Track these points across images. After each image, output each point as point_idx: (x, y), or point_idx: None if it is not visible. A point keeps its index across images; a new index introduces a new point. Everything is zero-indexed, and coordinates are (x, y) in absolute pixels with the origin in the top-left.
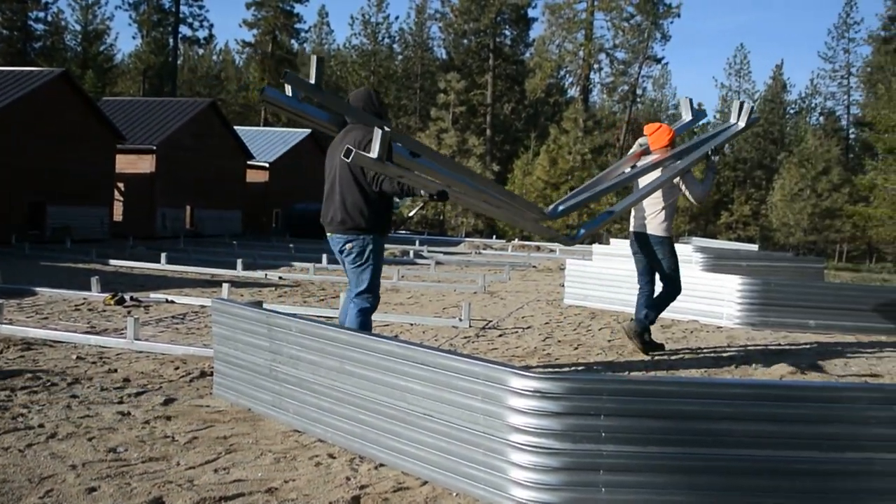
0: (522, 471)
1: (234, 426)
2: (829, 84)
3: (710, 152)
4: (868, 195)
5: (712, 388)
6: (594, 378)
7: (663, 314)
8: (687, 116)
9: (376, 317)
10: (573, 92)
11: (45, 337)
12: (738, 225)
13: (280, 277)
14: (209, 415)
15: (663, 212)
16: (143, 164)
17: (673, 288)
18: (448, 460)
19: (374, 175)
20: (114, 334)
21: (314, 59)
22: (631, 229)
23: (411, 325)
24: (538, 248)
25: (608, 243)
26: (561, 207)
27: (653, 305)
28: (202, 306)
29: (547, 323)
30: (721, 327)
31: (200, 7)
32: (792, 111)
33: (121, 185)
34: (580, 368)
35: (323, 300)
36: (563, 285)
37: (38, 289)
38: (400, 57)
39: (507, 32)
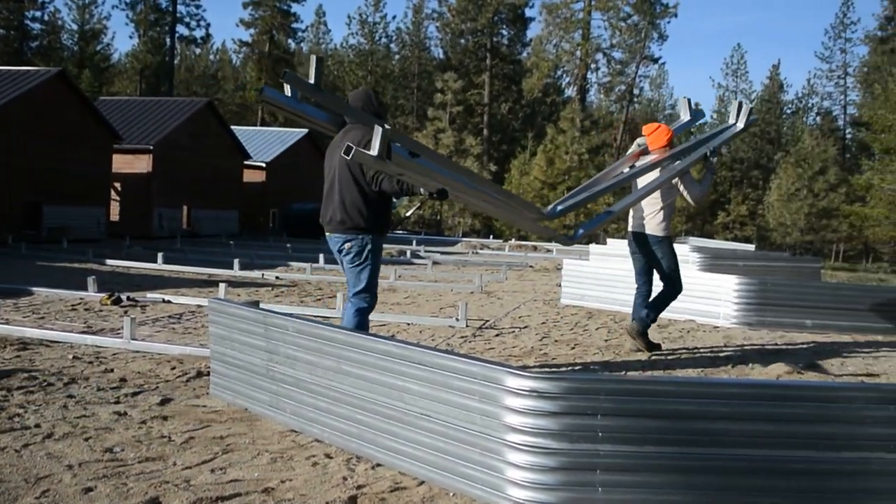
0: (519, 470)
1: (231, 426)
2: (825, 84)
3: (708, 153)
4: (864, 195)
5: (709, 388)
6: (591, 378)
7: (662, 314)
8: (685, 116)
9: (373, 316)
10: (570, 92)
11: (42, 337)
12: (735, 225)
13: (277, 277)
14: (206, 415)
15: (662, 212)
16: (140, 164)
17: (673, 287)
18: (445, 460)
19: (374, 174)
20: (110, 334)
21: (313, 59)
22: (629, 229)
23: (408, 324)
24: (535, 248)
25: (605, 243)
26: (559, 207)
27: (653, 305)
28: (199, 306)
29: (544, 323)
30: (718, 327)
31: (197, 6)
32: (789, 111)
33: (117, 184)
34: (577, 368)
35: (320, 300)
36: (559, 285)
37: (34, 288)
38: (397, 57)
39: (505, 32)
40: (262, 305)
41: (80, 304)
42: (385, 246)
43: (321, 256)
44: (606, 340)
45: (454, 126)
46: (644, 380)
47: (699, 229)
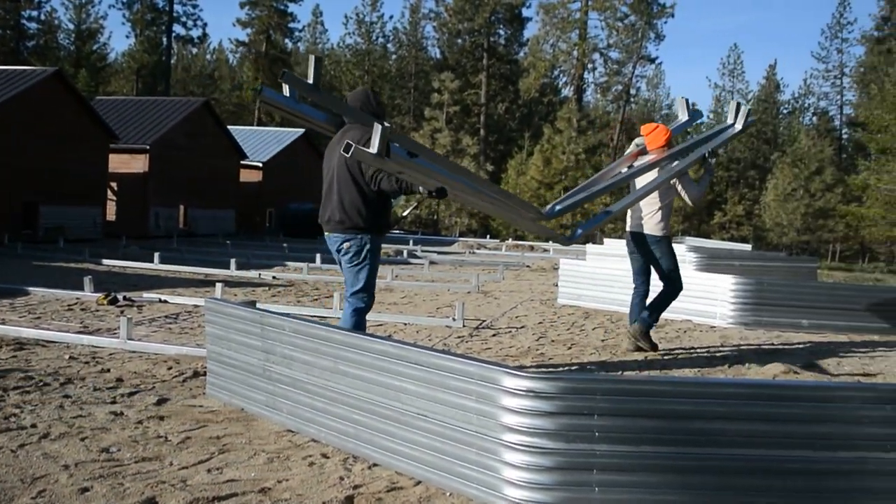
0: (516, 470)
1: (228, 426)
2: (822, 84)
3: (706, 154)
4: (861, 195)
5: (706, 388)
6: (588, 378)
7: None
8: (683, 116)
9: (370, 316)
10: (567, 92)
11: (38, 337)
12: (732, 225)
13: (274, 277)
14: (202, 415)
15: (660, 212)
16: (137, 164)
17: (673, 287)
18: (442, 460)
19: (373, 174)
20: (107, 334)
21: (312, 59)
22: (628, 229)
23: (405, 324)
24: (532, 248)
25: (602, 243)
26: (558, 207)
27: (655, 305)
28: (195, 306)
29: (540, 322)
30: (714, 327)
31: (194, 6)
32: (785, 111)
33: (114, 184)
34: (574, 368)
35: (317, 300)
36: (556, 285)
37: (30, 288)
38: (394, 56)
39: (502, 32)
40: (258, 305)
41: (76, 303)
42: (382, 246)
43: (318, 256)
44: (603, 340)
45: (451, 126)
46: (641, 380)
47: (696, 229)
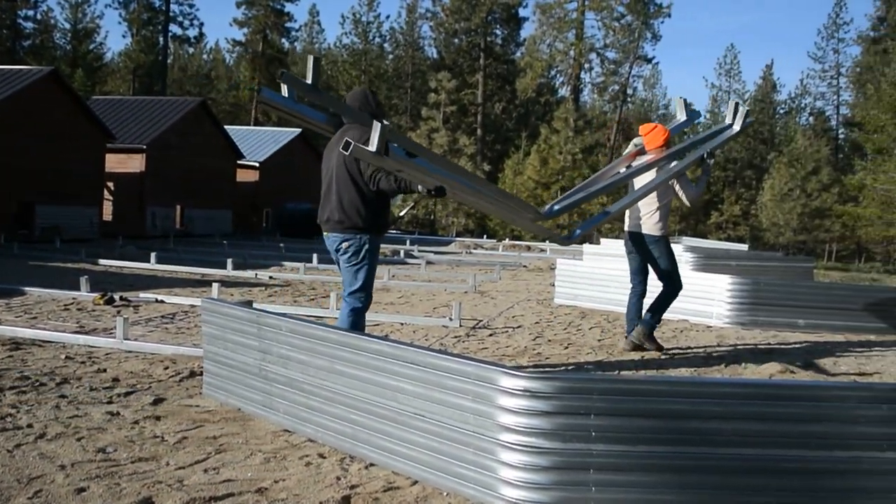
0: (513, 470)
1: (224, 426)
2: (818, 84)
3: (705, 155)
4: (857, 195)
5: (702, 388)
6: (584, 377)
7: None
8: (681, 117)
9: (366, 316)
10: (564, 91)
11: (34, 337)
12: (729, 225)
13: (270, 277)
14: (199, 415)
15: (658, 212)
16: (133, 164)
17: (672, 287)
18: (438, 460)
19: (372, 173)
20: (103, 334)
21: (311, 59)
22: (626, 229)
23: (402, 324)
24: (529, 248)
25: (599, 243)
26: (556, 207)
27: (656, 306)
28: (192, 306)
29: (537, 322)
30: (711, 327)
31: (191, 6)
32: (782, 111)
33: (110, 184)
34: (570, 368)
35: (313, 300)
36: (553, 285)
37: (26, 288)
38: (391, 56)
39: (498, 32)
40: (255, 305)
41: (72, 303)
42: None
43: (315, 256)
44: (600, 340)
45: (448, 126)
46: (637, 379)
47: (692, 229)
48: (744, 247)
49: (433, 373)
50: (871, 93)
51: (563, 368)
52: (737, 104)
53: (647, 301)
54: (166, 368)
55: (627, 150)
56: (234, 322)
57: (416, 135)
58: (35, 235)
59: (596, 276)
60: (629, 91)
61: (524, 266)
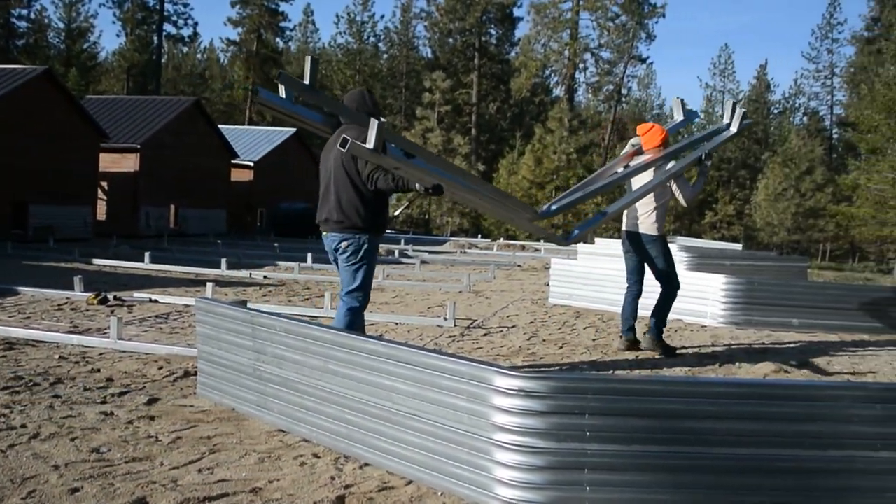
0: (507, 470)
1: (218, 426)
2: (812, 84)
3: (703, 156)
4: (851, 195)
5: (696, 387)
6: (579, 377)
7: (649, 313)
8: (679, 117)
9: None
10: (558, 91)
11: (28, 337)
12: (723, 224)
13: (265, 277)
14: (193, 415)
15: (655, 212)
16: (127, 163)
17: (670, 287)
18: (433, 459)
19: (370, 172)
20: (97, 334)
21: (308, 59)
22: (623, 228)
23: (396, 324)
24: (523, 248)
25: (593, 242)
26: (554, 207)
27: (658, 311)
28: (186, 306)
29: (532, 322)
30: (705, 326)
31: (185, 5)
32: (776, 111)
33: (104, 183)
34: (565, 367)
35: (308, 300)
36: (548, 284)
37: (20, 288)
38: (385, 56)
39: (493, 31)
40: (249, 305)
41: (66, 303)
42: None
43: (309, 256)
44: (594, 340)
45: (442, 125)
46: (632, 379)
47: (687, 229)
48: (738, 246)
49: (428, 372)
50: (864, 93)
51: (557, 368)
52: (734, 104)
53: (644, 301)
54: (160, 368)
55: (625, 150)
56: (228, 322)
57: (410, 134)
58: (29, 235)
59: (591, 275)
60: (624, 91)
61: (519, 266)
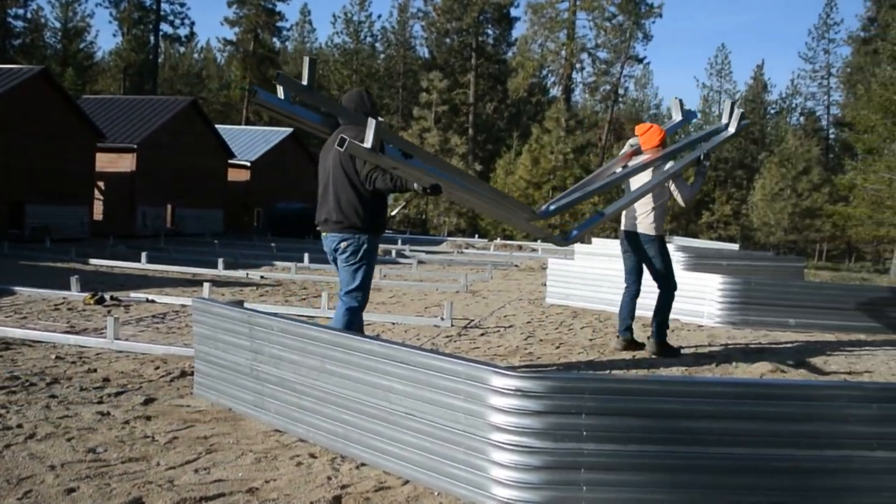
0: (504, 469)
1: (215, 426)
2: (809, 84)
3: (701, 156)
4: (847, 195)
5: (693, 387)
6: (575, 377)
7: (646, 313)
8: (677, 117)
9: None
10: (555, 91)
11: (24, 337)
12: (720, 224)
13: (262, 277)
14: (189, 415)
15: (654, 212)
16: (124, 163)
17: (667, 288)
18: (430, 459)
19: (368, 173)
20: (93, 334)
21: (307, 60)
22: (622, 228)
23: (393, 324)
24: (520, 248)
25: (590, 242)
26: (552, 207)
27: (658, 315)
28: (183, 306)
29: (529, 322)
30: (702, 326)
31: (182, 4)
32: (772, 111)
33: (101, 183)
34: (562, 367)
35: (304, 300)
36: (545, 284)
37: (17, 288)
38: (382, 56)
39: (490, 31)
40: (246, 305)
41: (63, 303)
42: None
43: (306, 256)
44: (591, 340)
45: (439, 125)
46: (628, 379)
47: (683, 229)
48: (735, 246)
49: (424, 372)
50: (861, 93)
51: (554, 368)
52: (733, 104)
53: (642, 301)
54: (157, 368)
55: (623, 151)
56: (225, 322)
57: (407, 134)
58: (25, 235)
59: (587, 275)
60: (620, 91)
61: (516, 266)
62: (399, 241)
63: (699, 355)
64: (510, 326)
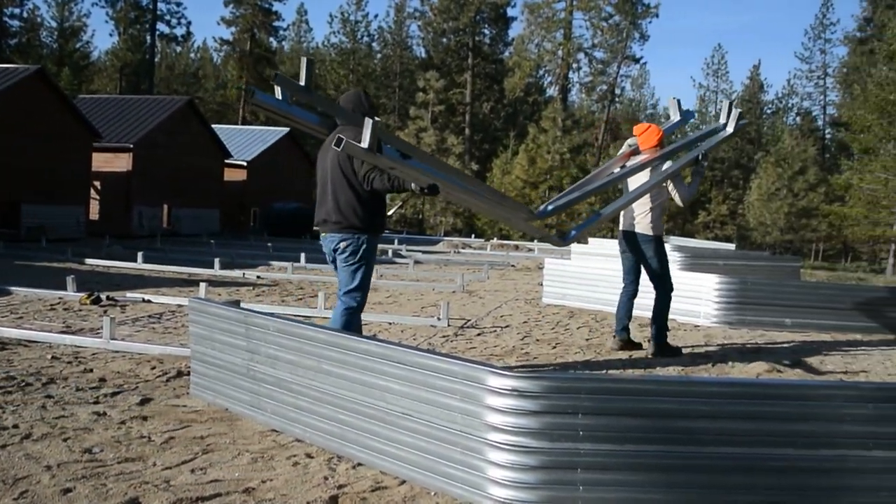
0: (500, 469)
1: (211, 426)
2: (805, 84)
3: (699, 156)
4: (844, 195)
5: (689, 387)
6: (572, 377)
7: (643, 313)
8: (675, 117)
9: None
10: (552, 91)
11: (20, 337)
12: (716, 224)
13: (258, 277)
14: (186, 415)
15: (652, 212)
16: (120, 163)
17: (664, 289)
18: (426, 459)
19: (365, 173)
20: (90, 334)
21: (304, 60)
22: (620, 228)
23: (390, 324)
24: (517, 248)
25: (587, 242)
26: (550, 207)
27: (657, 318)
28: (179, 305)
29: (525, 322)
30: (698, 326)
31: (178, 4)
32: (769, 111)
33: (97, 183)
34: (558, 367)
35: (301, 299)
36: (541, 284)
37: (12, 288)
38: (379, 55)
39: (487, 31)
40: (242, 305)
41: (59, 303)
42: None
43: (302, 256)
44: (588, 339)
45: (436, 125)
46: (625, 379)
47: (680, 228)
48: (731, 246)
49: (421, 372)
50: (857, 93)
51: (550, 368)
52: (731, 104)
53: (639, 301)
54: (153, 368)
55: (622, 151)
56: (221, 322)
57: (404, 134)
58: (21, 235)
59: (584, 275)
60: (617, 91)
61: (512, 265)
62: (396, 241)
63: (696, 355)
64: (507, 326)
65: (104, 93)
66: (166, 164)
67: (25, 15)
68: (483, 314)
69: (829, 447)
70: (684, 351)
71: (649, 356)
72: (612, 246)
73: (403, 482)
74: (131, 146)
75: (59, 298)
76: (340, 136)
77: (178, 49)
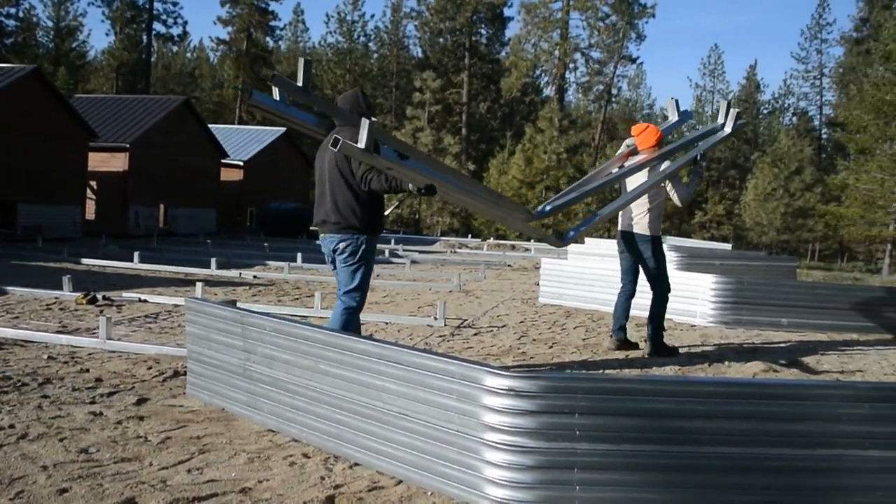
0: (497, 469)
1: (208, 426)
2: (801, 84)
3: (698, 157)
4: (840, 195)
5: (686, 387)
6: (569, 376)
7: (640, 313)
8: (673, 117)
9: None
10: (549, 91)
11: (16, 336)
12: (712, 224)
13: (254, 276)
14: (182, 415)
15: (650, 212)
16: (116, 162)
17: (661, 290)
18: (423, 459)
19: (363, 174)
20: (86, 334)
21: (301, 61)
22: (619, 228)
23: (386, 324)
24: (513, 248)
25: (583, 242)
26: (548, 208)
27: (654, 318)
28: (175, 305)
29: (522, 322)
30: (695, 326)
31: (174, 4)
32: (765, 111)
33: (93, 183)
34: (555, 367)
35: (297, 299)
36: (538, 284)
37: (8, 288)
38: (375, 55)
39: (483, 31)
40: (239, 305)
41: (55, 303)
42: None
43: (299, 255)
44: (584, 339)
45: (433, 125)
46: (622, 378)
47: (676, 228)
48: (727, 246)
49: (418, 372)
50: (853, 93)
51: (547, 368)
52: (728, 104)
53: (637, 302)
54: (150, 368)
55: (620, 151)
56: (218, 322)
57: (401, 134)
58: (17, 234)
59: (581, 275)
60: (614, 91)
61: (509, 265)
62: (392, 241)
63: (692, 355)
64: (503, 326)
65: (100, 92)
66: (163, 163)
67: (21, 14)
68: (480, 314)
69: (826, 447)
70: (681, 351)
71: (646, 356)
72: (608, 246)
73: (400, 482)
74: (128, 146)
75: (56, 298)
76: (337, 136)
77: (175, 49)
